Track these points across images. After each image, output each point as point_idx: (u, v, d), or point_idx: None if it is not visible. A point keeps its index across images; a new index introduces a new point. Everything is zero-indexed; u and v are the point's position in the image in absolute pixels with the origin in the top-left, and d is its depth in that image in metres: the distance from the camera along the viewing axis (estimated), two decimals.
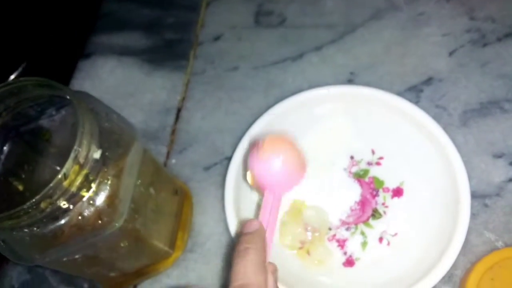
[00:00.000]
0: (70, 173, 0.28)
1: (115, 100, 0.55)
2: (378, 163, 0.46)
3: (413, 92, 0.49)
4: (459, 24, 0.52)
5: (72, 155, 0.28)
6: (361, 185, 0.45)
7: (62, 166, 0.28)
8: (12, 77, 0.59)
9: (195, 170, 0.50)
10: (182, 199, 0.45)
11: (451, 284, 0.40)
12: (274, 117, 0.46)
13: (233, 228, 0.41)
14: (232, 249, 0.31)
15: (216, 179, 0.49)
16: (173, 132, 0.53)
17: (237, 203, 0.43)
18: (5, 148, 0.36)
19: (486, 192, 0.44)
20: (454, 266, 0.41)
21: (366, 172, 0.46)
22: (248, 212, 0.44)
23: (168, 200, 0.42)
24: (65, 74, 0.59)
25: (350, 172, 0.46)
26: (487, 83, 0.49)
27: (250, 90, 0.53)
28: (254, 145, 0.37)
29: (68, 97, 0.31)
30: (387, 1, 0.55)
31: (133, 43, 0.60)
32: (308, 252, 0.43)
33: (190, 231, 0.46)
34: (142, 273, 0.43)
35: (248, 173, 0.37)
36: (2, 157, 0.36)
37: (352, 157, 0.47)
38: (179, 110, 0.54)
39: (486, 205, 0.43)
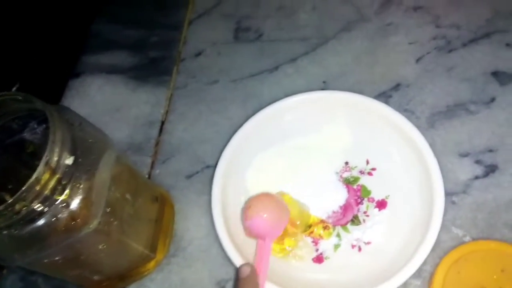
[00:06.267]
0: (41, 177, 0.30)
1: (103, 115, 0.58)
2: (369, 173, 0.48)
3: (382, 98, 0.51)
4: (425, 32, 0.55)
5: (43, 160, 0.30)
6: (348, 190, 0.47)
7: None
8: None
9: (178, 179, 0.52)
10: (163, 206, 0.47)
11: (421, 279, 0.42)
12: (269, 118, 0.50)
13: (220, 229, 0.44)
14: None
15: (197, 187, 0.51)
16: (157, 144, 0.55)
17: (223, 205, 0.45)
18: None
19: (453, 190, 0.45)
20: (424, 262, 0.42)
21: (356, 179, 0.47)
22: (235, 213, 0.46)
23: (147, 207, 0.44)
24: (57, 93, 0.62)
25: (341, 176, 0.48)
26: (453, 86, 0.51)
27: (229, 102, 0.56)
28: (245, 205, 0.43)
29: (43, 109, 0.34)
30: (357, 13, 0.58)
31: (120, 62, 0.63)
32: (285, 244, 0.44)
33: (172, 236, 0.48)
34: (126, 277, 0.45)
35: (244, 227, 0.44)
36: None
37: (346, 163, 0.48)
38: (162, 123, 0.56)
39: (453, 202, 0.45)
